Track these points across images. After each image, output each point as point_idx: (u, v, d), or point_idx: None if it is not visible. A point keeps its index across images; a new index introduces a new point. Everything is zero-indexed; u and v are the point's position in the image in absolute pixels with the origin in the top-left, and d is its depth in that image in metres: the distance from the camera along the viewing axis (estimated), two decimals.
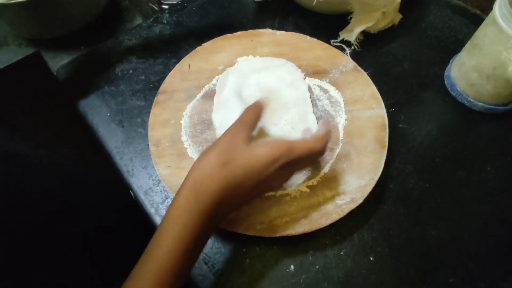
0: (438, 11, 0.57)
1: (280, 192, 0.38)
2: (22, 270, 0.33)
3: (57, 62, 0.51)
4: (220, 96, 0.43)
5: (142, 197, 0.41)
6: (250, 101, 0.35)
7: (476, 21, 0.55)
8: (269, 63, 0.46)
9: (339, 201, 0.37)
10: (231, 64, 0.47)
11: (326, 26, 0.53)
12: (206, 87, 0.45)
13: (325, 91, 0.45)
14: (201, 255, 0.38)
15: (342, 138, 0.41)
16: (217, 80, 0.46)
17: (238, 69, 0.46)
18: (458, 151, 0.45)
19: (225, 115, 0.42)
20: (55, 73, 0.51)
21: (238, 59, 0.48)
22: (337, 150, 0.40)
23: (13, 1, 0.47)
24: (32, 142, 0.47)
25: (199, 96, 0.45)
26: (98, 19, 0.57)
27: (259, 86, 0.44)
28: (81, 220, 0.44)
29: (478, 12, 0.57)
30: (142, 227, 0.42)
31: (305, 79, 0.46)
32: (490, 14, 0.41)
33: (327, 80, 0.46)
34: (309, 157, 0.32)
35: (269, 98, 0.42)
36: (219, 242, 0.38)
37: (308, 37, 0.49)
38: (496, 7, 0.40)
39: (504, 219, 0.40)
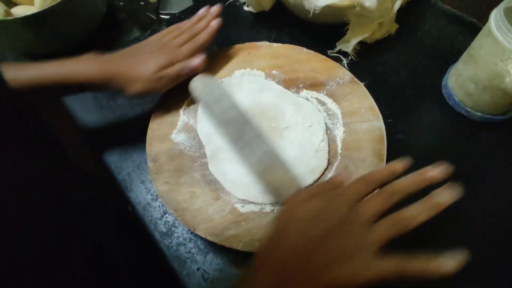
0: (433, 20, 0.57)
1: (278, 208, 0.37)
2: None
3: None
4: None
5: (140, 212, 0.41)
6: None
7: (471, 30, 0.55)
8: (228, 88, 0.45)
9: None
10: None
11: (323, 37, 0.53)
12: None
13: (322, 103, 0.45)
14: (200, 271, 0.37)
15: (340, 152, 0.41)
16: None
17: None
18: (457, 161, 0.44)
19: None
20: None
21: (235, 71, 0.48)
22: (336, 164, 0.40)
23: (11, 18, 0.47)
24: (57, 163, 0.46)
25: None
26: (96, 33, 0.57)
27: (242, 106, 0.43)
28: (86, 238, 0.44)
29: (474, 20, 0.57)
30: (141, 243, 0.42)
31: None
32: (486, 25, 0.41)
33: (324, 92, 0.46)
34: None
35: (262, 113, 0.43)
36: (218, 258, 0.38)
37: (304, 49, 0.49)
38: (491, 18, 0.40)
39: (504, 228, 0.40)
